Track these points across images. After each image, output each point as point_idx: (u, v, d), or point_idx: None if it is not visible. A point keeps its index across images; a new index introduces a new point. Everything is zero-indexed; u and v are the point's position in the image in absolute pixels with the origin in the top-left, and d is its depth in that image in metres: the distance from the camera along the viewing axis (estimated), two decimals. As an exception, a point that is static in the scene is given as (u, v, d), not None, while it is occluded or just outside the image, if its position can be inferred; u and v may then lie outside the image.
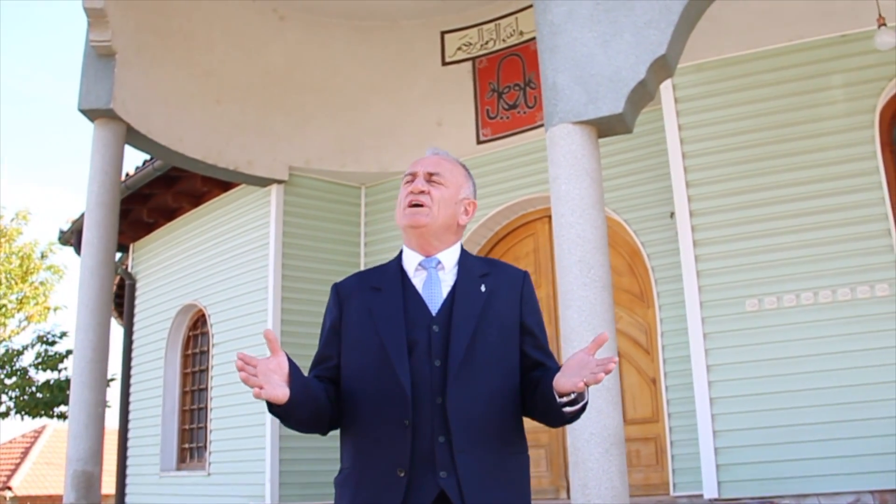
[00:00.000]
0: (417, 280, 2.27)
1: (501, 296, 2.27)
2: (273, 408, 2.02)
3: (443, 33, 10.20)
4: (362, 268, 10.04)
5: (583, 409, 2.07)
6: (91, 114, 7.64)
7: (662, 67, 5.38)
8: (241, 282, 9.75)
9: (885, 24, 6.31)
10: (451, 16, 10.12)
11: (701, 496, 7.02)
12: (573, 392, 2.01)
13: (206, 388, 10.23)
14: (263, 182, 9.50)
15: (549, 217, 9.47)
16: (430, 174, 2.32)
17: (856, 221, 6.82)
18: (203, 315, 10.49)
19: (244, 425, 9.28)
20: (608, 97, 5.34)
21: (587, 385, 1.94)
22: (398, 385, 2.10)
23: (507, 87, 9.78)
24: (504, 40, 9.92)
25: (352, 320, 2.25)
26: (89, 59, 7.81)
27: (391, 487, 2.05)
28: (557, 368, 2.18)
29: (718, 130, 7.36)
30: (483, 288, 2.26)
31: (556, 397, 2.05)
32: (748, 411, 6.79)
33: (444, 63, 10.14)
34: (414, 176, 2.33)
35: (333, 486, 2.26)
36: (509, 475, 2.16)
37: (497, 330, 2.22)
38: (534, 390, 2.20)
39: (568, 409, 2.05)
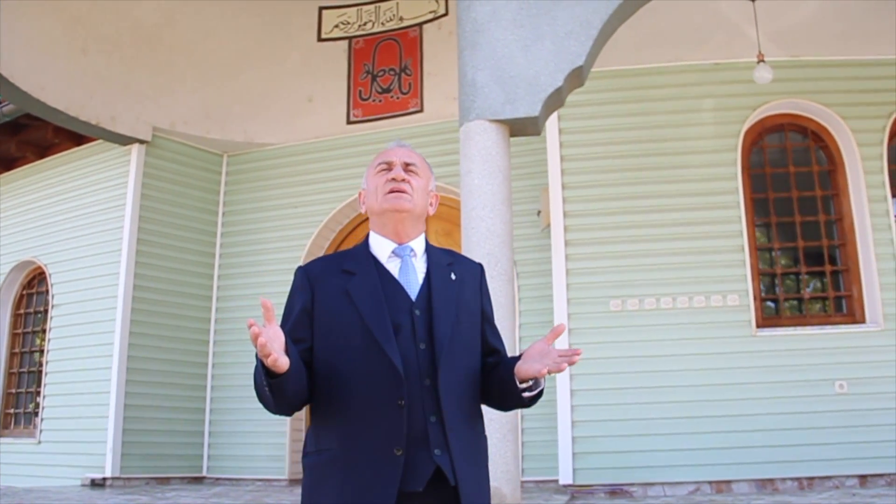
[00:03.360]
0: (392, 266, 2.31)
1: (466, 284, 2.38)
2: (271, 378, 2.02)
3: (321, 9, 10.12)
4: (219, 237, 9.83)
5: (540, 394, 2.25)
6: (-53, 50, 7.09)
7: (577, 77, 5.65)
8: (91, 242, 9.27)
9: (763, 61, 6.90)
10: (330, -9, 10.06)
11: (553, 482, 7.43)
12: (531, 379, 2.18)
13: (42, 351, 9.66)
14: (125, 140, 9.07)
15: (415, 203, 9.68)
16: (407, 164, 2.36)
17: (715, 236, 7.44)
18: (42, 273, 9.88)
19: (84, 392, 8.85)
20: (525, 100, 5.55)
21: (549, 373, 2.11)
22: (390, 367, 2.14)
23: (382, 71, 9.82)
24: (383, 24, 9.96)
25: (326, 303, 2.26)
26: (-51, -10, 7.23)
27: (389, 466, 2.10)
28: (509, 356, 2.35)
29: (596, 138, 7.77)
30: (453, 276, 2.36)
31: (517, 383, 2.20)
32: (605, 404, 7.25)
33: (320, 39, 10.06)
34: (390, 165, 2.34)
35: (304, 467, 2.25)
36: (481, 453, 2.30)
37: (467, 316, 2.33)
38: (490, 375, 2.34)
39: (527, 394, 2.21)
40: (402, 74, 9.74)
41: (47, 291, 9.73)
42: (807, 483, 6.93)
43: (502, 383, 2.25)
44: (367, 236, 2.38)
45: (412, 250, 2.32)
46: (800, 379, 7.10)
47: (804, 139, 7.89)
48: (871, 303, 7.33)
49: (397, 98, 9.70)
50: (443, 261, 2.37)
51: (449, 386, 2.19)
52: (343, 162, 9.57)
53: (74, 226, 9.53)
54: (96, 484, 8.41)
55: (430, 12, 9.72)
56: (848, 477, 6.91)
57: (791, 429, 7.00)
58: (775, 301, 7.64)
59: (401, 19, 9.89)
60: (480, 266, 2.48)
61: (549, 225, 7.92)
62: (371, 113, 9.76)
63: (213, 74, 9.66)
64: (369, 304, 2.21)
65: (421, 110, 9.50)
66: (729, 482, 7.01)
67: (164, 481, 8.80)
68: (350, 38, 10.04)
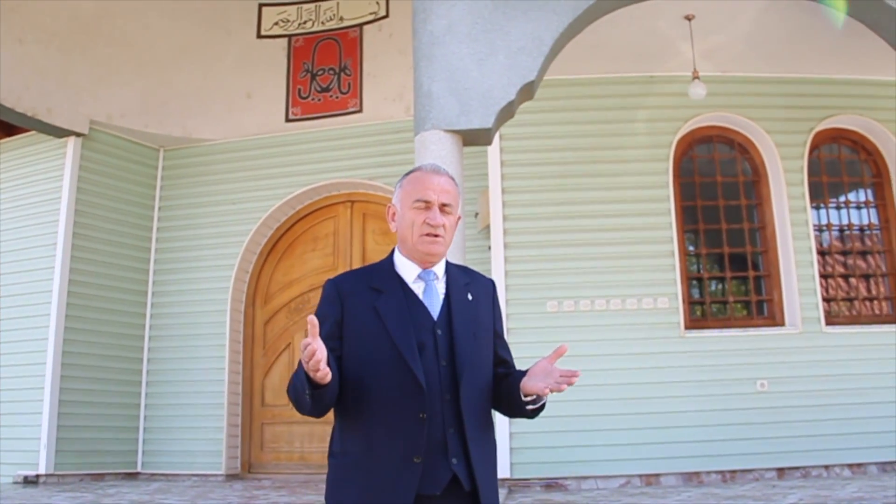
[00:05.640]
0: (416, 288, 2.50)
1: (481, 302, 2.57)
2: (314, 389, 2.22)
3: (261, 6, 10.16)
4: (154, 232, 9.79)
5: (542, 406, 2.46)
6: None
7: (528, 91, 5.90)
8: (23, 235, 9.13)
9: (698, 78, 7.27)
10: (271, -11, 10.09)
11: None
12: (535, 394, 2.39)
13: (-30, 346, 9.47)
14: (61, 133, 8.96)
15: (352, 202, 9.82)
16: (444, 205, 2.50)
17: (647, 241, 7.81)
18: (-31, 266, 9.68)
19: (17, 388, 8.71)
20: (479, 111, 5.77)
21: (551, 392, 2.32)
22: (414, 382, 2.33)
23: (322, 70, 9.91)
24: (323, 23, 10.04)
25: (356, 317, 2.43)
26: None
27: (408, 472, 2.30)
28: (516, 368, 2.58)
29: (536, 145, 8.05)
30: (469, 296, 2.54)
31: (522, 397, 2.42)
32: (542, 401, 7.53)
33: (260, 36, 10.09)
34: (428, 204, 2.48)
35: (329, 465, 2.45)
36: (493, 458, 2.52)
37: (482, 333, 2.54)
38: (499, 385, 2.55)
39: (531, 406, 2.43)
40: (342, 74, 9.85)
41: (-24, 285, 9.55)
42: (729, 476, 7.36)
43: (510, 396, 2.46)
44: (393, 254, 2.56)
45: (435, 275, 2.51)
46: (724, 378, 7.53)
47: (731, 151, 8.34)
48: (791, 306, 7.82)
49: (336, 97, 9.81)
50: (460, 280, 2.56)
51: (468, 401, 2.40)
52: (282, 160, 9.65)
53: (5, 218, 9.36)
54: (29, 481, 8.32)
55: (371, 14, 9.86)
56: (767, 470, 7.37)
57: (716, 425, 7.42)
58: (702, 304, 8.07)
59: (341, 19, 10.00)
60: (492, 283, 2.67)
61: (487, 226, 8.17)
62: (310, 111, 9.84)
63: (151, 68, 9.61)
64: (396, 322, 2.40)
65: (360, 110, 9.63)
66: (658, 475, 7.39)
67: (99, 477, 8.76)
68: (290, 36, 10.10)
